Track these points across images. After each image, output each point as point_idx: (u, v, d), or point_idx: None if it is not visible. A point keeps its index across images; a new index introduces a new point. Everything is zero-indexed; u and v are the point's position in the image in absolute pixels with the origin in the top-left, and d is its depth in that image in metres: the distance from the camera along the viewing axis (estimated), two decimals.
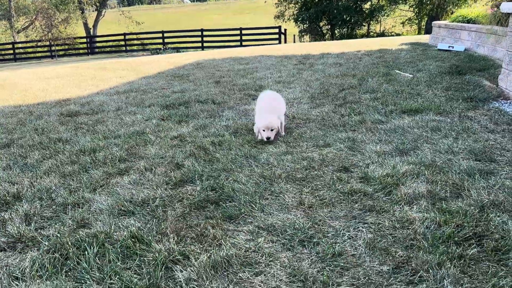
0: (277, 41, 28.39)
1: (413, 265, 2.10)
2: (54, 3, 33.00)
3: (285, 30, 29.28)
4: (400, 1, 31.68)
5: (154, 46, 31.07)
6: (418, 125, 4.29)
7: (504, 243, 2.23)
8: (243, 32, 30.19)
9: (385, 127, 4.30)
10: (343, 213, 2.65)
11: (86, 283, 2.10)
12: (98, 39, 36.30)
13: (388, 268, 2.10)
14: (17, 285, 2.11)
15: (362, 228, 2.47)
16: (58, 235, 2.52)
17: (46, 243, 2.44)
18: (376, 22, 34.05)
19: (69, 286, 2.08)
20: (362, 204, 2.73)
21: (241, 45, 27.11)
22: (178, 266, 2.19)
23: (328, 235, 2.41)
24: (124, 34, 33.65)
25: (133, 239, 2.42)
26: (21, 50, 34.84)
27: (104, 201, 2.97)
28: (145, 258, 2.26)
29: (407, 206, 2.67)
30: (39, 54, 34.59)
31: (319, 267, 2.13)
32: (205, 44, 30.27)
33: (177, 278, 2.10)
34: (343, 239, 2.36)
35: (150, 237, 2.45)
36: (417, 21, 32.72)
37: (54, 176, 3.47)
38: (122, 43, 34.08)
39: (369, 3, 32.06)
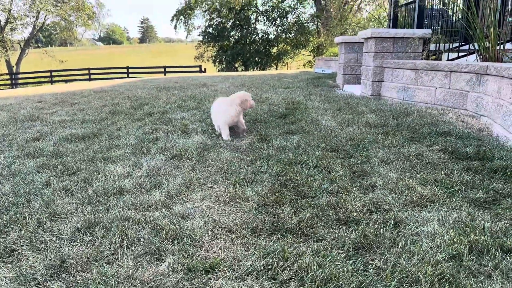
0: None
1: None
2: None
3: (205, 69, 33.94)
4: (301, 47, 38.36)
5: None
6: (288, 91, 8.87)
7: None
8: (167, 70, 34.28)
9: (277, 91, 8.85)
10: None
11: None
12: (24, 75, 37.79)
13: None
14: None
15: None
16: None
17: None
18: (283, 64, 40.38)
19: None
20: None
21: None
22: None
23: None
24: (50, 71, 35.88)
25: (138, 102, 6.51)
26: None
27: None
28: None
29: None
30: None
31: None
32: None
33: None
34: None
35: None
36: (315, 63, 39.55)
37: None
38: (48, 79, 35.86)
39: (276, 48, 38.34)
